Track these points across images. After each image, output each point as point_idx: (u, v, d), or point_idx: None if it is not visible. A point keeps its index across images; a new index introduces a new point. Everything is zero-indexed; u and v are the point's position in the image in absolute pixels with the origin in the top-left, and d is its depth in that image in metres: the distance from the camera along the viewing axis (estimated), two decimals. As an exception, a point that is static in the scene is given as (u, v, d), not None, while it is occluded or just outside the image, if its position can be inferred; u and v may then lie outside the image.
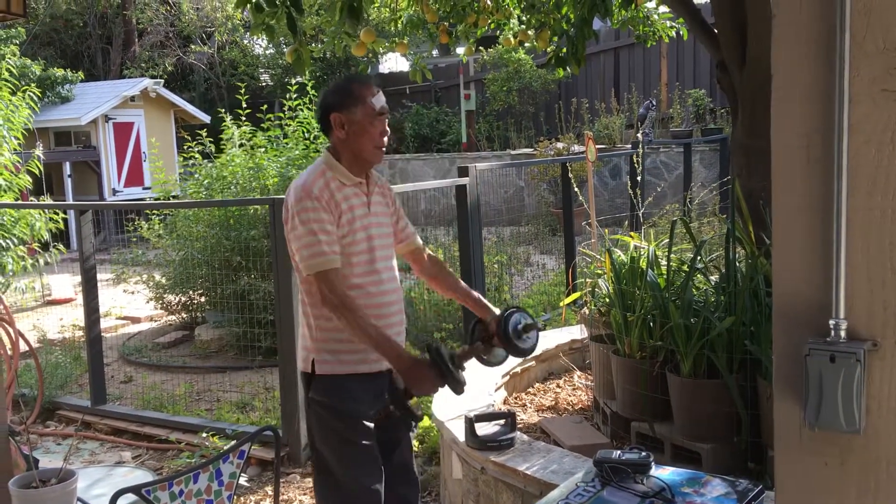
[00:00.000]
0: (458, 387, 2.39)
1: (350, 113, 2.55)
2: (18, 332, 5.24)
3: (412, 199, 10.56)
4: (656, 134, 12.73)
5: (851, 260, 1.35)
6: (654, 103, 13.12)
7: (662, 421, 3.37)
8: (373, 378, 2.59)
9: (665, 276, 3.55)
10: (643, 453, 2.00)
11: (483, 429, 3.28)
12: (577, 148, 11.94)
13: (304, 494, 4.08)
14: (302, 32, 4.25)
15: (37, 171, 7.84)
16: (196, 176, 7.39)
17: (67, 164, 13.46)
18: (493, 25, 5.50)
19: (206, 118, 14.55)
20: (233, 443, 3.32)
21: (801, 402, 1.39)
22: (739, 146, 3.96)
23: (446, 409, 3.60)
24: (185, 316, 7.60)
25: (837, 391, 1.34)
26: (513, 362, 4.16)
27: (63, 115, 13.67)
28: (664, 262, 3.61)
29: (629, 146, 11.62)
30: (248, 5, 3.92)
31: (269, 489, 4.16)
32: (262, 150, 7.12)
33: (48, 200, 9.37)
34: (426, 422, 4.28)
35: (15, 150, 7.68)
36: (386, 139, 2.62)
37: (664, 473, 1.99)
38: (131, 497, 2.25)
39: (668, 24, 6.13)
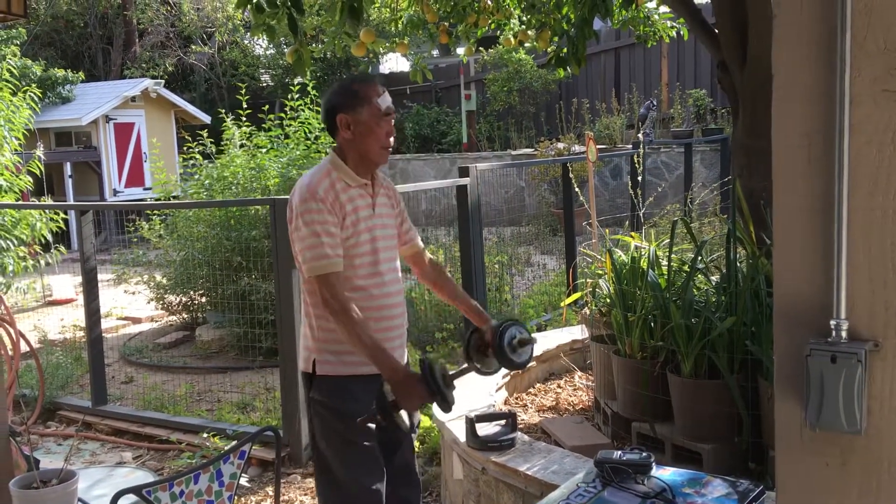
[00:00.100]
0: (446, 406, 2.40)
1: (356, 114, 2.54)
2: (19, 332, 5.24)
3: (413, 200, 10.56)
4: (657, 134, 12.74)
5: (852, 260, 1.35)
6: (655, 103, 13.12)
7: (663, 421, 3.37)
8: (375, 379, 2.58)
9: (666, 277, 3.55)
10: (644, 454, 2.00)
11: (484, 429, 3.28)
12: (577, 148, 11.95)
13: (305, 495, 4.08)
14: (302, 33, 4.25)
15: (37, 172, 7.85)
16: (197, 176, 7.39)
17: (68, 164, 13.47)
18: (493, 25, 5.49)
19: (207, 118, 14.56)
20: (233, 443, 3.32)
21: (803, 403, 1.39)
22: (740, 146, 3.96)
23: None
24: (185, 316, 7.60)
25: (839, 391, 1.34)
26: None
27: (64, 115, 13.68)
28: (665, 263, 3.61)
29: (630, 146, 11.63)
30: (249, 6, 3.92)
31: (270, 489, 4.16)
32: (264, 150, 7.13)
33: (49, 201, 9.38)
34: (427, 422, 4.29)
35: (16, 150, 7.68)
36: (392, 140, 2.61)
37: (665, 474, 1.99)
38: (132, 497, 2.25)
39: (669, 24, 6.13)
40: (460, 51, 7.88)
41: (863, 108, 1.33)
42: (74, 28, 18.87)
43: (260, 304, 6.05)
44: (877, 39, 1.31)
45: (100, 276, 5.56)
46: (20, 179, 7.57)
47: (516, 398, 4.38)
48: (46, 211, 7.53)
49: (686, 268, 3.57)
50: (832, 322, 1.36)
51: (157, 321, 8.06)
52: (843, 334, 1.35)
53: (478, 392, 3.84)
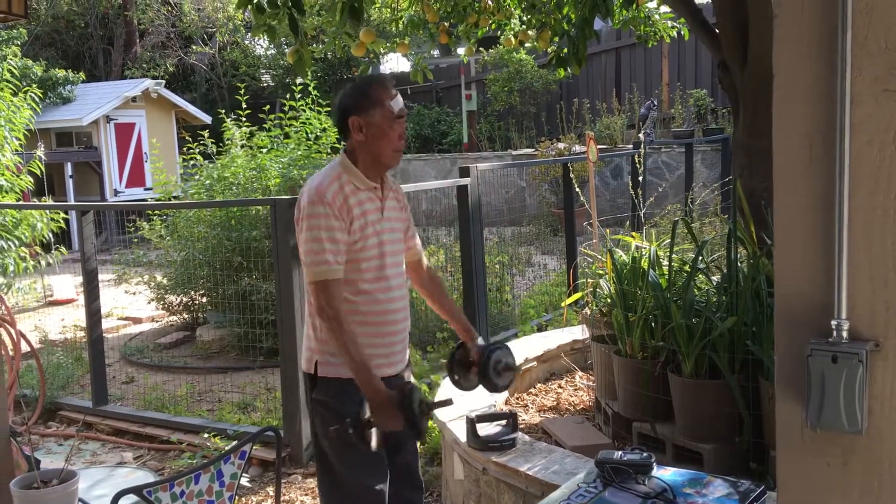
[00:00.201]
0: (418, 435, 2.46)
1: (369, 116, 2.51)
2: (20, 332, 5.24)
3: (413, 200, 10.53)
4: (658, 134, 12.73)
5: (853, 260, 1.35)
6: (656, 103, 13.12)
7: (664, 421, 3.37)
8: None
9: (667, 277, 3.55)
10: (645, 454, 2.00)
11: (484, 429, 3.28)
12: (578, 148, 11.94)
13: (306, 495, 4.08)
14: (303, 33, 4.25)
15: (38, 172, 7.85)
16: (197, 177, 7.39)
17: (69, 164, 13.47)
18: (493, 26, 5.50)
19: (208, 119, 14.56)
20: (234, 443, 3.32)
21: (804, 403, 1.39)
22: (741, 146, 3.96)
23: (448, 410, 3.59)
24: (186, 316, 7.60)
25: (839, 391, 1.34)
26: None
27: (64, 115, 13.68)
28: (666, 263, 3.61)
29: (630, 146, 11.62)
30: (250, 6, 3.92)
31: (271, 490, 4.16)
32: (265, 150, 7.13)
33: (50, 201, 9.38)
34: (427, 422, 4.28)
35: (16, 150, 7.68)
36: (403, 142, 2.60)
37: (666, 474, 1.99)
38: (133, 498, 2.25)
39: (670, 24, 6.13)
40: (461, 51, 7.89)
41: (864, 107, 1.33)
42: (75, 28, 18.88)
43: (260, 305, 6.05)
44: (878, 39, 1.31)
45: (100, 277, 5.56)
46: (21, 180, 7.58)
47: (517, 398, 4.38)
48: (47, 211, 7.53)
49: (687, 268, 3.57)
50: (833, 322, 1.36)
51: (157, 321, 8.06)
52: (844, 334, 1.35)
53: (478, 392, 3.83)
